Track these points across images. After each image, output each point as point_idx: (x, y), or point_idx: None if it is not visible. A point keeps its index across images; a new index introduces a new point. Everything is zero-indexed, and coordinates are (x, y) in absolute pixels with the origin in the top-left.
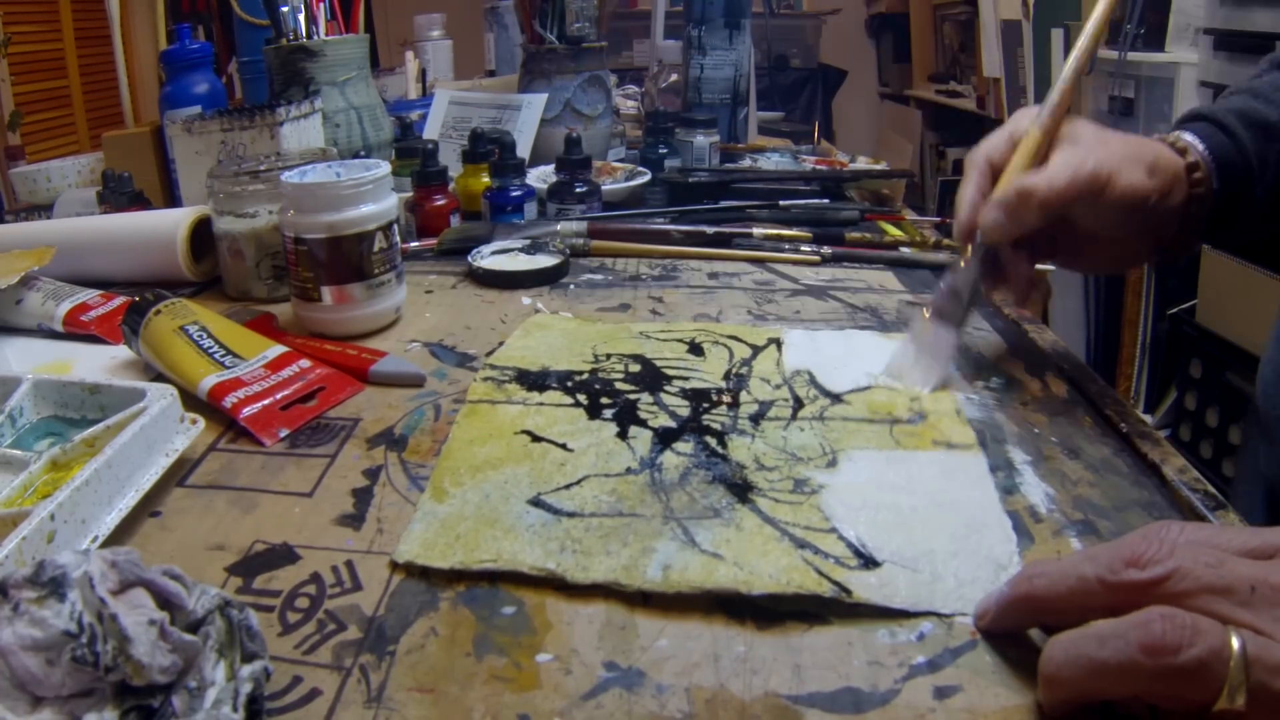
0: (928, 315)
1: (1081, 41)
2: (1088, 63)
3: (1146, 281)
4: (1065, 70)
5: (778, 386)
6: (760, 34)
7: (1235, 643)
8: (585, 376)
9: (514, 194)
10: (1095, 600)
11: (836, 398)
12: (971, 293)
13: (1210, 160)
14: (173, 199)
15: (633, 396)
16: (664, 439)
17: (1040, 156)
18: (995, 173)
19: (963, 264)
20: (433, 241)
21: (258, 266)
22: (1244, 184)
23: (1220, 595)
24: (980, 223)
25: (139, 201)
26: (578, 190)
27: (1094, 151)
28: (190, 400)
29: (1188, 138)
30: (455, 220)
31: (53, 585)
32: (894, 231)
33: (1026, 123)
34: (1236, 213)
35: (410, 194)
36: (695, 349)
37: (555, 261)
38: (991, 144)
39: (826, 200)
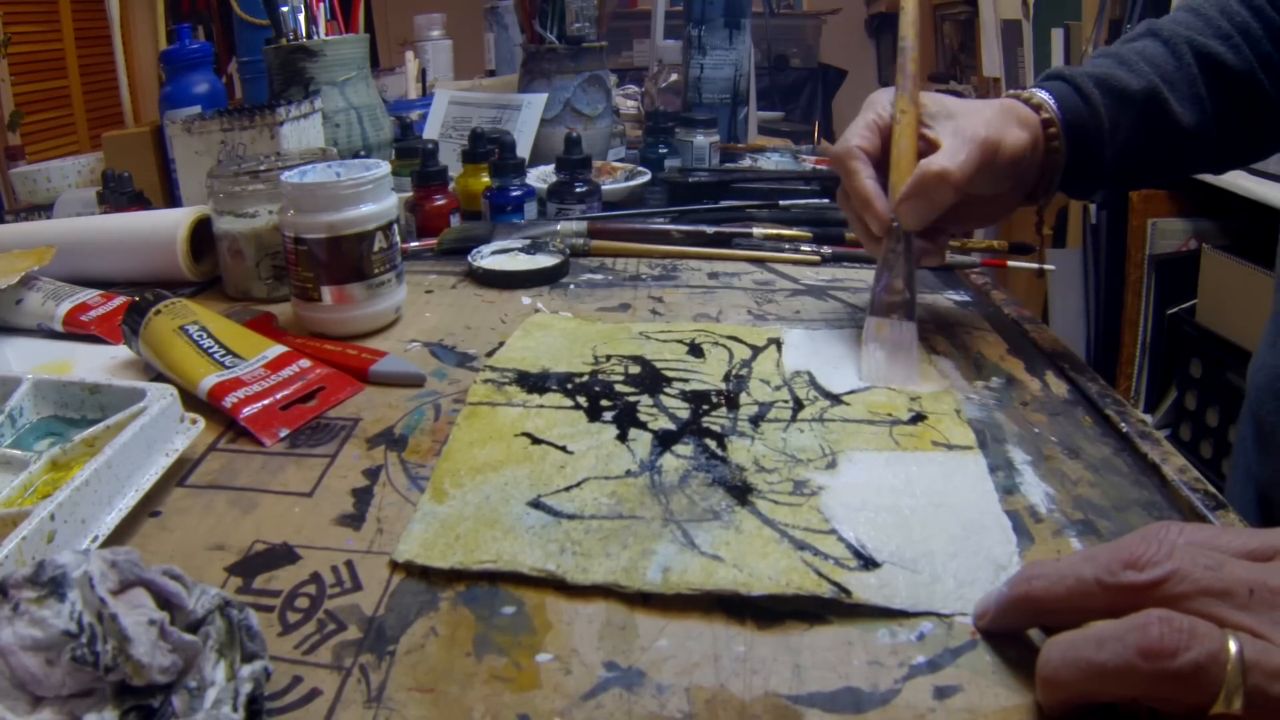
0: (878, 316)
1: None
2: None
3: (1146, 281)
4: (908, 36)
5: (777, 388)
6: (760, 34)
7: (1233, 647)
8: (585, 378)
9: (514, 194)
10: (1094, 601)
11: (836, 399)
12: (911, 280)
13: (1061, 120)
14: (173, 199)
15: (632, 399)
16: (664, 441)
17: (918, 135)
18: (873, 159)
19: (890, 256)
20: (433, 241)
21: (258, 266)
22: (1094, 145)
23: (1218, 598)
24: (900, 216)
25: (139, 201)
26: (578, 190)
27: (972, 124)
28: (190, 400)
29: (1043, 95)
30: (455, 220)
31: (53, 585)
32: None
33: (887, 104)
34: (1085, 170)
35: (410, 194)
36: (695, 350)
37: (555, 261)
38: (859, 134)
39: (826, 200)
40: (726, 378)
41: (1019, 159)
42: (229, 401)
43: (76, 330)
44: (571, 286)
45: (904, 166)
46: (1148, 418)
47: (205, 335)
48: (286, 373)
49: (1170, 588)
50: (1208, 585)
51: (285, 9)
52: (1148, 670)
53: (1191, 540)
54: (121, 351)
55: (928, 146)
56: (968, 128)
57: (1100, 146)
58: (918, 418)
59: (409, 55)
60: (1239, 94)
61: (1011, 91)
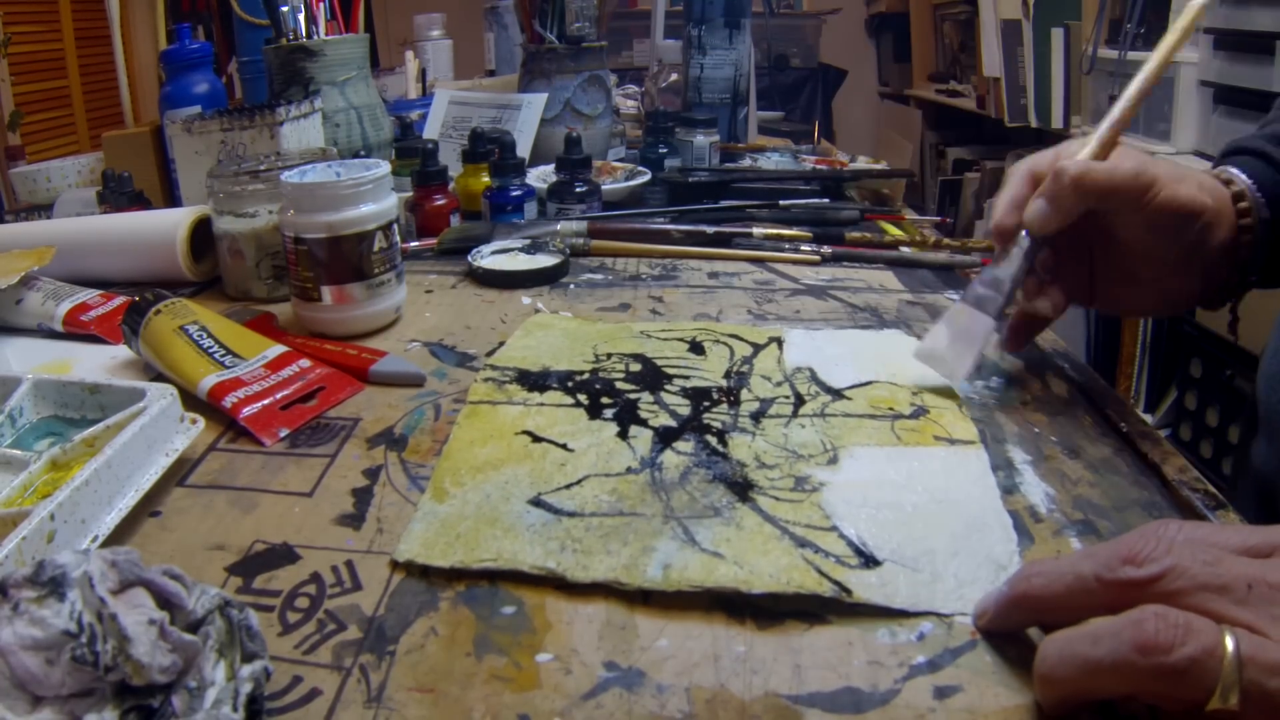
0: (964, 301)
1: (1153, 59)
2: (1154, 84)
3: None
4: (1130, 88)
5: (778, 384)
6: (760, 34)
7: (1229, 642)
8: (586, 376)
9: (514, 194)
10: (1092, 599)
11: (838, 393)
12: (1013, 283)
13: (1254, 189)
14: (173, 199)
15: (633, 396)
16: (664, 438)
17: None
18: (1036, 182)
19: (1003, 253)
20: (433, 241)
21: (258, 266)
22: None
23: (1216, 593)
24: (1026, 218)
25: (139, 201)
26: (578, 190)
27: (1138, 157)
28: (190, 400)
29: (1231, 170)
30: (455, 220)
31: (52, 585)
32: (894, 231)
33: (1075, 146)
34: None
35: (410, 194)
36: (696, 348)
37: (555, 261)
38: (1035, 158)
39: (826, 200)
40: (727, 374)
41: (1182, 215)
42: (229, 401)
43: (76, 330)
44: (571, 286)
45: None
46: (1148, 418)
47: (205, 335)
48: (286, 372)
49: (1168, 583)
50: (1205, 581)
51: (285, 9)
52: (1144, 666)
53: (1190, 537)
54: (121, 351)
55: None
56: (1127, 156)
57: None
58: (920, 412)
59: (409, 55)
60: None
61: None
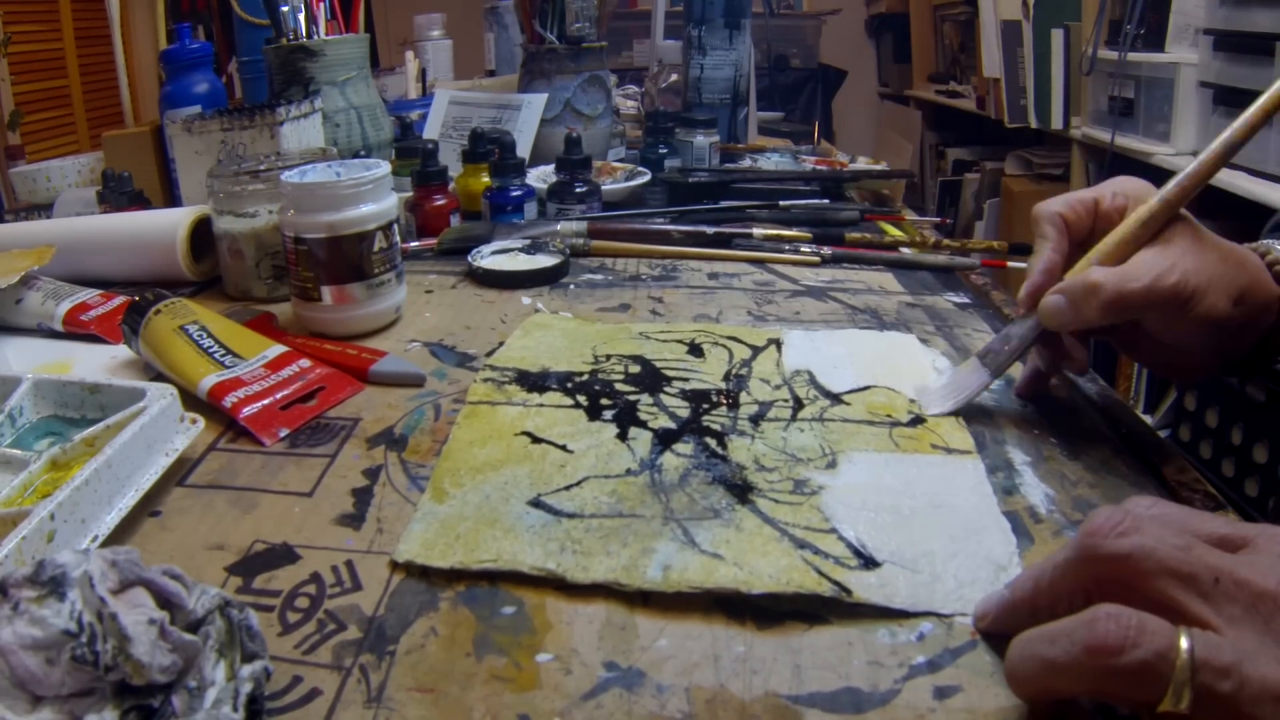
0: (976, 355)
1: (1234, 128)
2: (1230, 155)
3: None
4: (1201, 158)
5: (777, 387)
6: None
7: (1184, 644)
8: (585, 377)
9: (514, 194)
10: (1073, 582)
11: (836, 398)
12: (1021, 344)
13: None
14: (173, 199)
15: (633, 398)
16: (664, 440)
17: (1136, 245)
18: (1072, 235)
19: (1026, 324)
20: (433, 241)
21: (258, 266)
22: None
23: (1182, 582)
24: (1041, 306)
25: (139, 201)
26: (578, 190)
27: (1182, 261)
28: (190, 400)
29: (1276, 246)
30: (455, 220)
31: (52, 584)
32: (894, 232)
33: (1120, 191)
34: None
35: (410, 194)
36: (695, 350)
37: (555, 261)
38: (1072, 204)
39: (826, 200)
40: (726, 377)
41: (1213, 326)
42: (229, 401)
43: (76, 330)
44: (571, 286)
45: (1105, 248)
46: (1148, 418)
47: (205, 335)
48: (286, 372)
49: (1134, 564)
50: (1174, 567)
51: (285, 9)
52: (1094, 667)
53: (1162, 515)
54: (121, 351)
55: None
56: (1162, 264)
57: None
58: (916, 420)
59: (409, 55)
60: None
61: (1261, 245)
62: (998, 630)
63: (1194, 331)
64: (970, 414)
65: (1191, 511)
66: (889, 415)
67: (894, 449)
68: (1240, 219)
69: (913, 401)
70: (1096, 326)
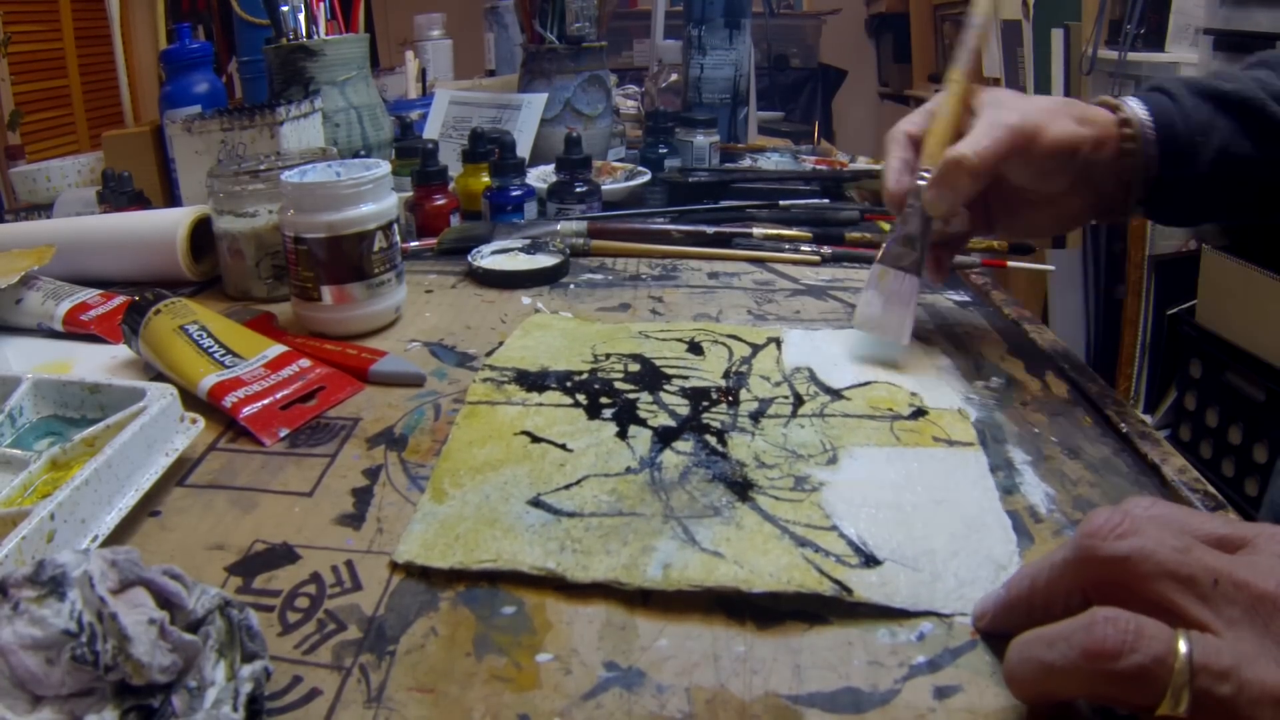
0: (884, 264)
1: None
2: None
3: (1146, 282)
4: (980, 13)
5: (778, 384)
6: (760, 34)
7: (1182, 648)
8: (585, 376)
9: (514, 194)
10: (1071, 583)
11: (837, 394)
12: (923, 237)
13: (1149, 118)
14: (173, 199)
15: (632, 396)
16: (664, 438)
17: (965, 109)
18: (916, 145)
19: (909, 210)
20: (433, 241)
21: (258, 266)
22: (1186, 148)
23: (1181, 584)
24: (926, 205)
25: (139, 201)
26: (578, 190)
27: (1016, 108)
28: (190, 400)
29: (1127, 100)
30: (455, 220)
31: (52, 584)
32: None
33: (943, 101)
34: (1178, 177)
35: (410, 194)
36: (695, 348)
37: (555, 261)
38: (910, 119)
39: (826, 200)
40: (726, 374)
41: (1066, 153)
42: (229, 401)
43: (76, 330)
44: (571, 286)
45: (936, 135)
46: (1147, 418)
47: (205, 335)
48: (286, 372)
49: (1133, 566)
50: (1173, 569)
51: (285, 9)
52: (1092, 671)
53: (1160, 515)
54: (121, 351)
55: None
56: (999, 116)
57: (1192, 146)
58: (918, 413)
59: (409, 55)
60: None
61: (1099, 99)
62: (995, 629)
63: (1051, 166)
64: (970, 412)
65: (1190, 511)
66: (890, 409)
67: (895, 443)
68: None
69: (914, 395)
70: (975, 196)
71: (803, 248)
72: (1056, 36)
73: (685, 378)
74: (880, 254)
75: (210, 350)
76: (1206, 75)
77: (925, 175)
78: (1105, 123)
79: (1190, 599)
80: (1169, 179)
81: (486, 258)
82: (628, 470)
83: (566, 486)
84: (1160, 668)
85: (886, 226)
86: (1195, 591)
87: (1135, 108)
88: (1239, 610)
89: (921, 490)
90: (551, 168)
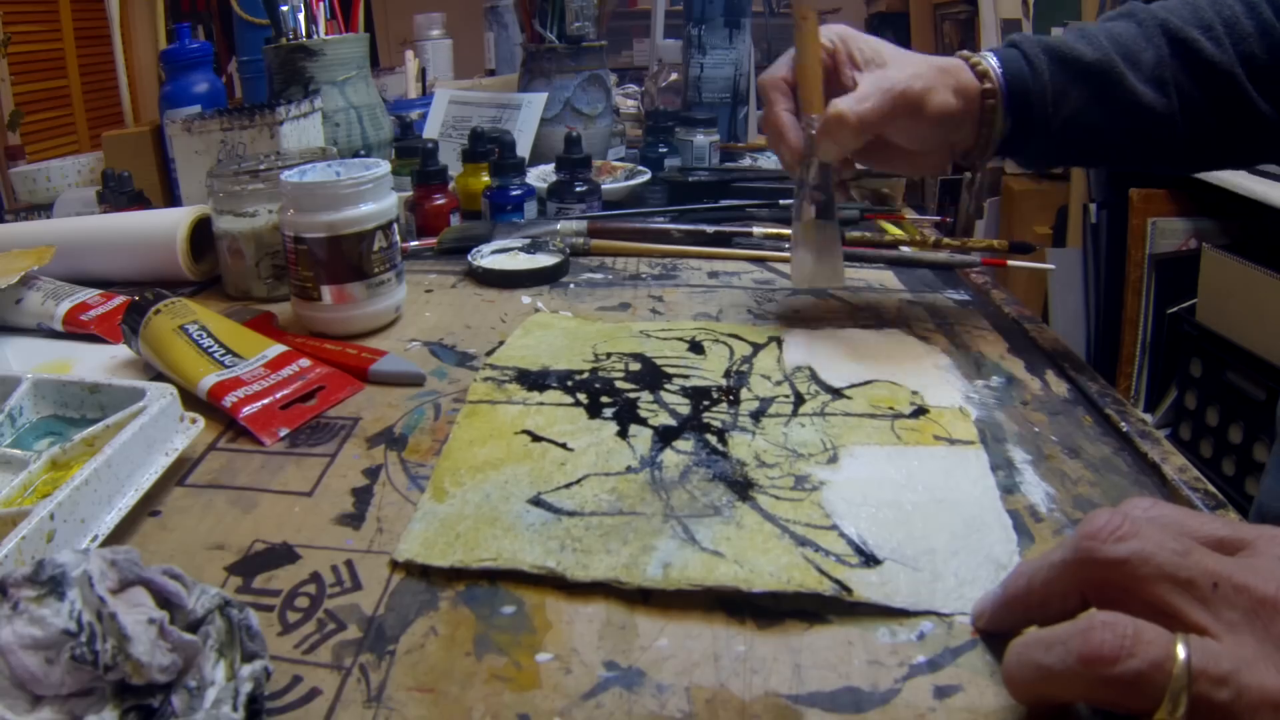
0: (805, 218)
1: None
2: None
3: (1146, 281)
4: None
5: (778, 383)
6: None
7: (1180, 653)
8: (585, 376)
9: (514, 193)
10: (1069, 584)
11: (837, 393)
12: (827, 182)
13: (1003, 84)
14: (173, 198)
15: (633, 395)
16: (664, 437)
17: (815, 47)
18: (793, 91)
19: (812, 170)
20: (433, 241)
21: (257, 266)
22: (1038, 112)
23: (1181, 587)
24: (819, 155)
25: (139, 201)
26: (578, 189)
27: (902, 71)
28: (190, 399)
29: (990, 60)
30: (455, 219)
31: (52, 584)
32: (894, 231)
33: (805, 54)
34: (1030, 136)
35: (410, 193)
36: (695, 347)
37: (555, 261)
38: (785, 65)
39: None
40: (727, 374)
41: (944, 120)
42: (229, 401)
43: (76, 330)
44: (571, 286)
45: (809, 82)
46: (1148, 417)
47: (205, 335)
48: (286, 372)
49: (1133, 569)
50: (1172, 572)
51: (285, 8)
52: (1089, 676)
53: (1159, 517)
54: (121, 351)
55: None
56: (887, 79)
57: (1044, 114)
58: (920, 411)
59: (409, 55)
60: (1211, 86)
61: (962, 53)
62: (993, 629)
63: (930, 130)
64: (970, 411)
65: (1190, 513)
66: (891, 408)
67: (896, 441)
68: (1240, 219)
69: (915, 393)
70: (861, 144)
71: None
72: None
73: (686, 377)
74: (797, 211)
75: (210, 350)
76: (1071, 32)
77: (813, 122)
78: (973, 91)
79: (1190, 602)
80: (1020, 136)
81: (486, 257)
82: (628, 469)
83: (567, 485)
84: (1158, 673)
85: (887, 226)
86: (1195, 595)
87: (996, 73)
88: (1239, 614)
89: (922, 489)
90: (551, 167)
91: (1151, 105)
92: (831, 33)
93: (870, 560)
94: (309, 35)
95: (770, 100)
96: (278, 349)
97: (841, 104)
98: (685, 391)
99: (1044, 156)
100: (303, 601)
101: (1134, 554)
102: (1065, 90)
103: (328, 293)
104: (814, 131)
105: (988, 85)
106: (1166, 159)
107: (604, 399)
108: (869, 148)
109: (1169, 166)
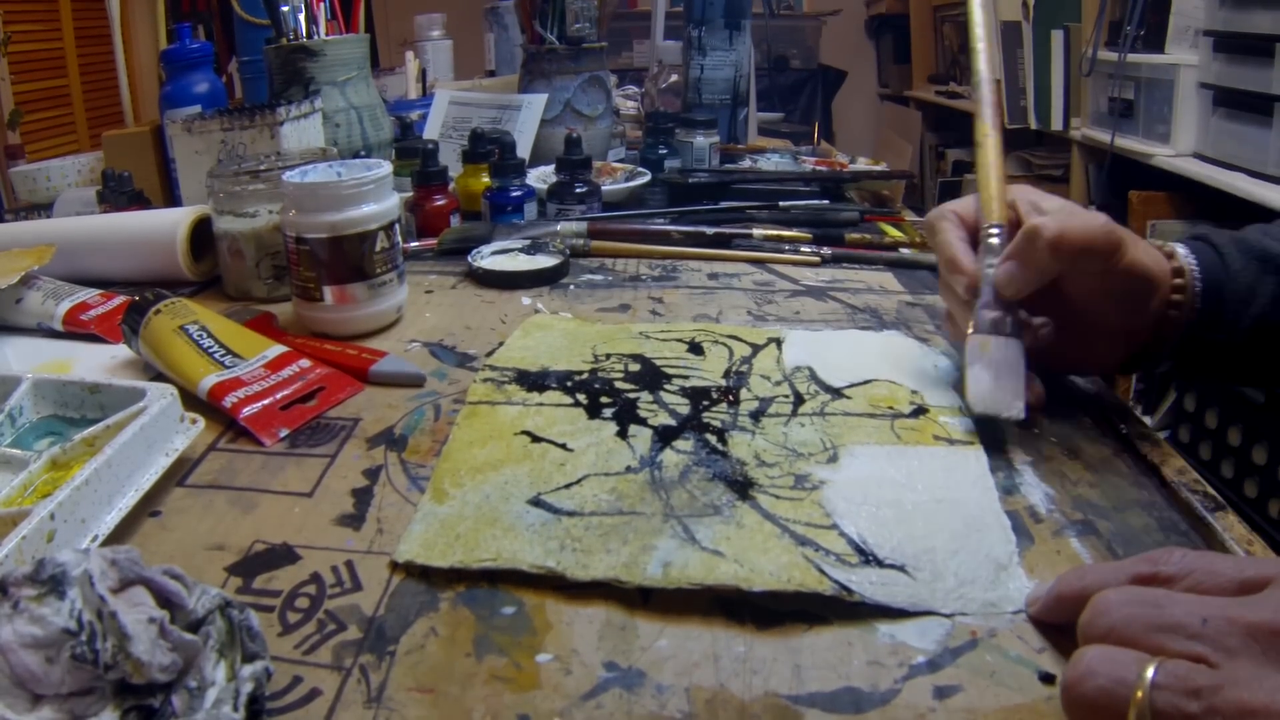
0: (981, 333)
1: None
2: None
3: None
4: (982, 70)
5: (778, 383)
6: (760, 34)
7: (1149, 672)
8: (585, 376)
9: (514, 194)
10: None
11: (837, 393)
12: (1009, 304)
13: (1197, 271)
14: (173, 199)
15: (632, 395)
16: (664, 437)
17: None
18: (966, 225)
19: (988, 272)
20: (433, 241)
21: (258, 266)
22: (1230, 307)
23: (1170, 631)
24: (997, 281)
25: (139, 201)
26: (578, 190)
27: (1096, 215)
28: (190, 400)
29: (1178, 248)
30: (455, 220)
31: (52, 583)
32: (894, 233)
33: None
34: (1215, 335)
35: (410, 194)
36: (695, 348)
37: (555, 262)
38: (955, 202)
39: (826, 201)
40: (727, 374)
41: (1136, 279)
42: (229, 401)
43: (76, 329)
44: (571, 287)
45: (991, 188)
46: (1147, 419)
47: (205, 335)
48: (286, 372)
49: (1118, 635)
50: (1156, 623)
51: (285, 9)
52: (1065, 701)
53: (1188, 566)
54: (121, 351)
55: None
56: (1082, 211)
57: (1236, 310)
58: (919, 411)
59: (409, 55)
60: None
61: (1152, 242)
62: (1044, 618)
63: (1119, 286)
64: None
65: (1215, 556)
66: (891, 407)
67: (896, 441)
68: (1240, 219)
69: (915, 393)
70: (1050, 278)
71: (803, 248)
72: (1056, 38)
73: (685, 377)
74: (973, 326)
75: (210, 350)
76: (1254, 230)
77: (992, 232)
78: (1164, 267)
79: (1182, 640)
80: (1204, 340)
81: (486, 258)
82: (628, 469)
83: (567, 486)
84: (1120, 687)
85: (887, 228)
86: (1185, 633)
87: (1184, 257)
88: (1237, 640)
89: (922, 489)
90: (551, 168)
91: None
92: (1014, 190)
93: (870, 560)
94: (309, 36)
95: (937, 229)
96: (278, 349)
97: (1038, 220)
98: (685, 392)
99: (1225, 363)
100: (303, 602)
101: (1112, 628)
102: (1255, 286)
103: (329, 293)
104: (992, 240)
105: (1175, 264)
106: None
107: (603, 399)
108: (1040, 304)
109: None
